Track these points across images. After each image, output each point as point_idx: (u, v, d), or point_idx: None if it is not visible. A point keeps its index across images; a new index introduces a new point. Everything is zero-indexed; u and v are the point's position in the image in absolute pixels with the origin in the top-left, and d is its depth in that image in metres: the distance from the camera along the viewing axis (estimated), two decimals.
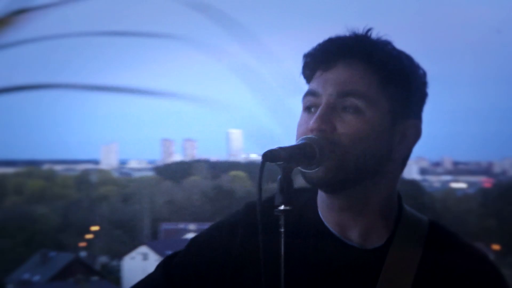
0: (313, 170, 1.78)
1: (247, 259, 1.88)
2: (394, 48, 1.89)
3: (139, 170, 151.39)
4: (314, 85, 1.86)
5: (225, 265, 1.91)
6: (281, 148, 1.71)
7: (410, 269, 1.84)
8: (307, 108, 1.86)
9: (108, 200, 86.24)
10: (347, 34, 1.89)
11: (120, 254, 64.23)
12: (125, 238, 70.39)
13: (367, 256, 1.85)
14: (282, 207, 1.69)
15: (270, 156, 1.68)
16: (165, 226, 72.22)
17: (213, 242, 1.97)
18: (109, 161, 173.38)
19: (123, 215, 78.46)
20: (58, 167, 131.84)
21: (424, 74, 1.91)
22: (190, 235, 41.09)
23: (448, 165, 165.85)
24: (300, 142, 1.77)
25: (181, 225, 69.27)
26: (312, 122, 1.80)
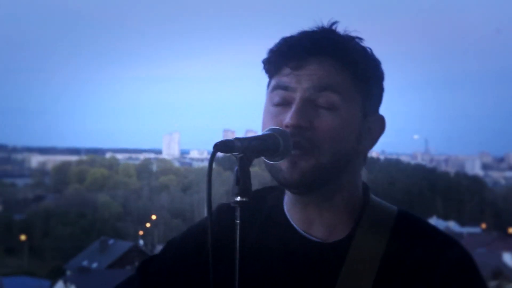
0: (288, 169, 1.75)
1: (217, 258, 1.86)
2: (359, 43, 1.85)
3: (200, 160, 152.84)
4: (286, 79, 1.80)
5: (199, 266, 1.90)
6: (237, 139, 1.66)
7: (374, 259, 1.79)
8: (277, 103, 1.81)
9: (168, 189, 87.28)
10: (314, 28, 1.85)
11: None
12: (183, 228, 70.01)
13: (328, 250, 1.81)
14: (238, 199, 1.65)
15: (221, 146, 1.64)
16: None
17: (187, 245, 1.96)
18: (170, 150, 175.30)
19: (182, 205, 79.35)
20: (120, 156, 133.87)
21: (381, 68, 1.89)
22: None
23: (511, 161, 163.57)
24: (265, 133, 1.73)
25: None
26: (288, 117, 1.75)
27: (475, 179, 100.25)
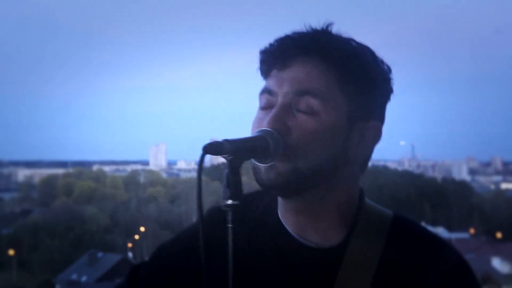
0: (267, 167, 1.73)
1: (210, 261, 1.86)
2: (356, 44, 1.80)
3: (187, 170, 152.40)
4: (271, 82, 1.78)
5: (190, 270, 1.89)
6: (226, 141, 1.63)
7: (371, 264, 1.77)
8: (263, 107, 1.80)
9: (156, 200, 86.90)
10: (306, 30, 1.81)
11: None
12: None
13: (323, 255, 1.79)
14: (229, 202, 1.63)
15: (210, 149, 1.61)
16: None
17: (177, 249, 1.94)
18: (157, 161, 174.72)
19: (171, 216, 78.99)
20: (107, 168, 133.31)
21: (388, 70, 1.82)
22: None
23: (498, 165, 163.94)
24: (254, 134, 1.71)
25: None
26: (265, 122, 1.73)
27: (462, 184, 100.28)
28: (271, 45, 1.81)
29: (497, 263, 53.07)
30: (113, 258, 59.59)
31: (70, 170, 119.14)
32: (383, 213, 1.87)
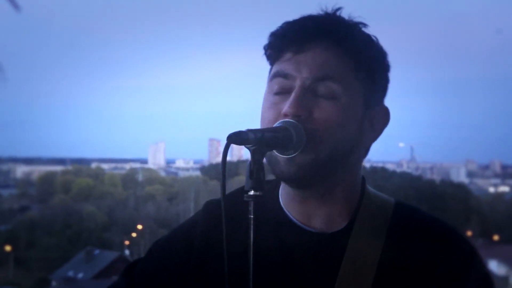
0: (287, 159, 1.70)
1: (208, 254, 1.84)
2: (364, 30, 1.81)
3: (185, 169, 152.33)
4: (285, 66, 1.75)
5: (187, 266, 1.88)
6: (250, 130, 1.61)
7: (376, 249, 1.78)
8: (277, 91, 1.76)
9: (154, 199, 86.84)
10: (318, 13, 1.80)
11: None
12: None
13: (328, 240, 1.79)
14: (252, 193, 1.60)
15: (235, 138, 1.58)
16: None
17: (174, 245, 1.93)
18: (156, 160, 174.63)
19: (168, 214, 78.93)
20: (105, 166, 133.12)
21: (387, 58, 1.84)
22: None
23: (496, 168, 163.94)
24: (277, 125, 1.68)
25: None
26: (287, 106, 1.70)
27: (460, 187, 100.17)
28: (283, 28, 1.78)
29: (494, 266, 53.15)
30: (110, 256, 59.60)
31: (69, 167, 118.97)
32: (385, 199, 1.88)
